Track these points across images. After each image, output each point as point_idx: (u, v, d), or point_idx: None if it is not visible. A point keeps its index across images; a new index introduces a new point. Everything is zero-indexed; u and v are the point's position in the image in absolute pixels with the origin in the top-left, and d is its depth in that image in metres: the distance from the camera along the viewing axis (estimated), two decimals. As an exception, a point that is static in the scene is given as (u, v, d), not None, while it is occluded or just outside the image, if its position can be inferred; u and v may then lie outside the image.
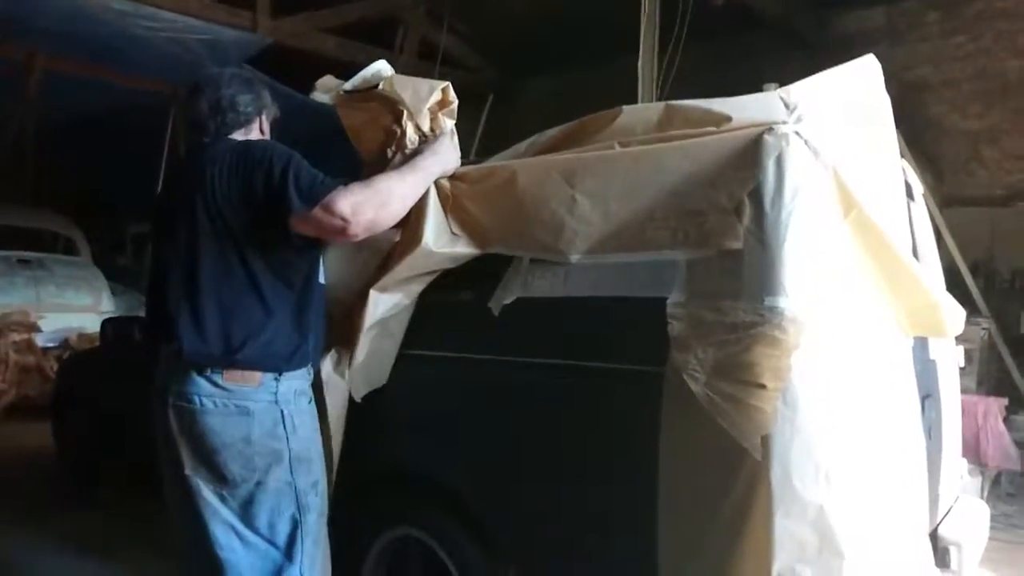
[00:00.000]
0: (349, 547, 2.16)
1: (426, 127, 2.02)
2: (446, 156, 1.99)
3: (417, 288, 2.08)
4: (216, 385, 1.74)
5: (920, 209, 2.47)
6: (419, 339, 2.16)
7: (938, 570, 1.95)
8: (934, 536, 2.08)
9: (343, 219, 1.70)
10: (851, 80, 1.73)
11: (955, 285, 5.19)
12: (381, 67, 2.09)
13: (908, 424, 1.80)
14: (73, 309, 7.17)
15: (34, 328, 6.72)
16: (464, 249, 1.97)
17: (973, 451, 4.12)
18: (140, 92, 7.71)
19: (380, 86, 2.06)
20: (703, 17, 5.55)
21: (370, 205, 1.74)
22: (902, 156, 2.07)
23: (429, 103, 2.01)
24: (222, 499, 1.76)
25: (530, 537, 1.95)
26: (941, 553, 2.06)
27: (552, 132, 1.97)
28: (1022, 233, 6.21)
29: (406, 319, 2.12)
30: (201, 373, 1.74)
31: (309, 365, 1.92)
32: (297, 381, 1.84)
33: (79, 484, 4.08)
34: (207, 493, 1.76)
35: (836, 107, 1.67)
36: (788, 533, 1.44)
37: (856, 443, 1.56)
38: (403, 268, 1.98)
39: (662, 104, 1.76)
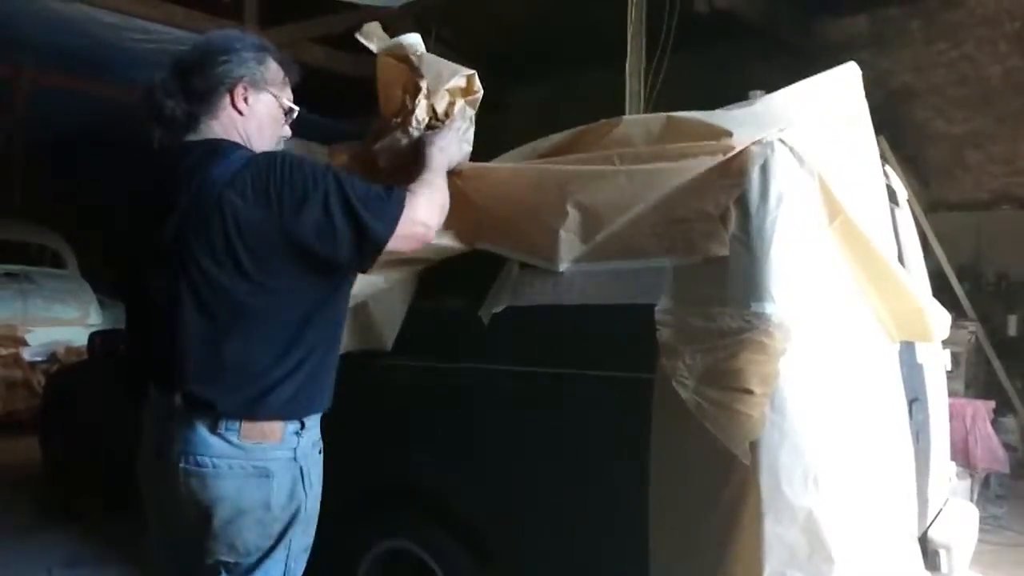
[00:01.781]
0: (340, 559, 2.15)
1: (440, 109, 1.92)
2: (451, 151, 1.84)
3: (397, 274, 2.09)
4: (231, 444, 1.44)
5: (905, 214, 2.49)
6: (407, 347, 2.16)
7: (928, 573, 1.96)
8: (923, 539, 2.09)
9: (425, 226, 1.55)
10: (833, 87, 1.75)
11: (942, 289, 5.24)
12: (415, 40, 1.99)
13: (896, 428, 1.81)
14: (61, 322, 7.12)
15: (21, 342, 6.67)
16: (449, 243, 1.94)
17: (962, 454, 4.15)
18: (128, 104, 7.68)
19: (410, 58, 1.98)
20: (689, 25, 5.59)
21: (437, 205, 1.61)
22: (887, 162, 2.09)
23: (448, 85, 1.92)
24: (227, 571, 1.49)
25: (523, 547, 1.94)
26: (931, 556, 2.07)
27: (555, 138, 1.96)
28: (1007, 237, 6.27)
29: (391, 300, 2.14)
30: (214, 431, 1.44)
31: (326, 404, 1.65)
32: (315, 429, 1.59)
33: (68, 499, 4.04)
34: (209, 565, 1.48)
35: (819, 114, 1.69)
36: (778, 538, 1.44)
37: (844, 447, 1.57)
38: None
39: (664, 116, 1.74)
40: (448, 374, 2.09)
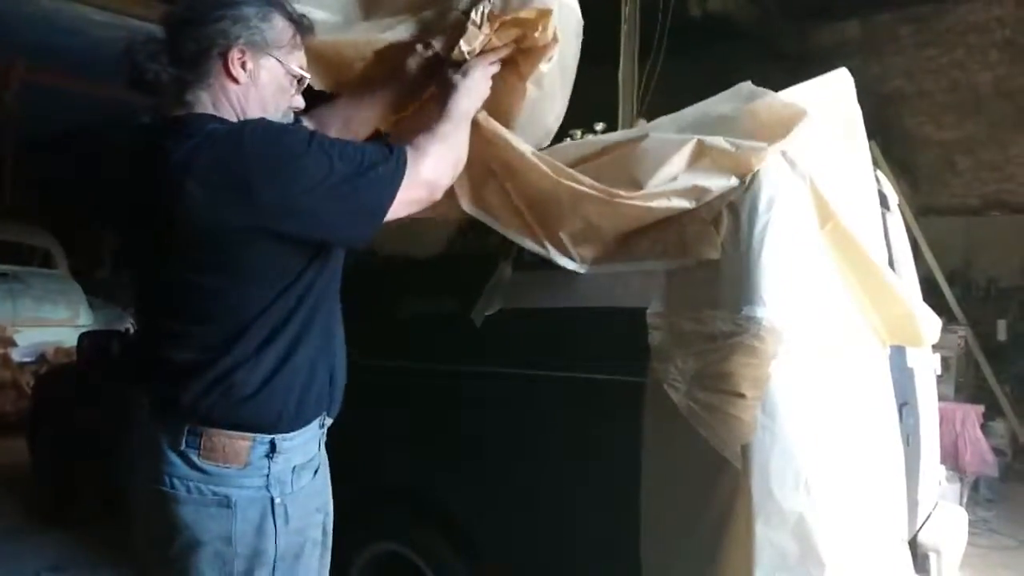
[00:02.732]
0: (331, 563, 2.14)
1: (500, 42, 1.53)
2: (478, 94, 1.50)
3: None
4: (192, 464, 1.26)
5: (896, 219, 2.51)
6: (398, 349, 2.16)
7: (917, 576, 1.97)
8: (913, 542, 2.10)
9: (431, 187, 1.34)
10: (825, 93, 1.76)
11: (932, 294, 5.27)
12: None
13: (886, 432, 1.82)
14: (50, 323, 7.08)
15: (10, 343, 6.62)
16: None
17: (952, 458, 4.17)
18: (119, 103, 7.66)
19: None
20: (683, 29, 5.61)
21: (449, 164, 1.38)
22: (879, 167, 2.10)
23: (520, 13, 1.47)
24: None
25: (515, 550, 1.94)
26: (920, 559, 2.08)
27: (585, 147, 1.75)
28: (997, 242, 6.32)
29: None
30: (175, 446, 1.27)
31: (324, 415, 1.40)
32: (300, 450, 1.34)
33: (56, 502, 4.01)
34: None
35: (811, 119, 1.70)
36: (769, 541, 1.44)
37: (835, 451, 1.57)
38: None
39: (693, 140, 1.55)
40: (440, 376, 2.09)
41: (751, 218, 1.55)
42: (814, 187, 1.60)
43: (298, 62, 1.36)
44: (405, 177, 1.27)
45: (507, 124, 1.66)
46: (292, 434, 1.32)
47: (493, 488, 1.97)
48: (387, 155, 1.27)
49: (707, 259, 1.57)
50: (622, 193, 1.57)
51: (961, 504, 3.78)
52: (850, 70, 1.83)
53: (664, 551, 1.60)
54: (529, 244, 1.75)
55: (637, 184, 1.57)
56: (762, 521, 1.45)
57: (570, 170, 1.60)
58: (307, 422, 1.35)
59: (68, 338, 6.45)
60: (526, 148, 1.62)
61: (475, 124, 1.53)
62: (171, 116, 1.27)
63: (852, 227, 1.65)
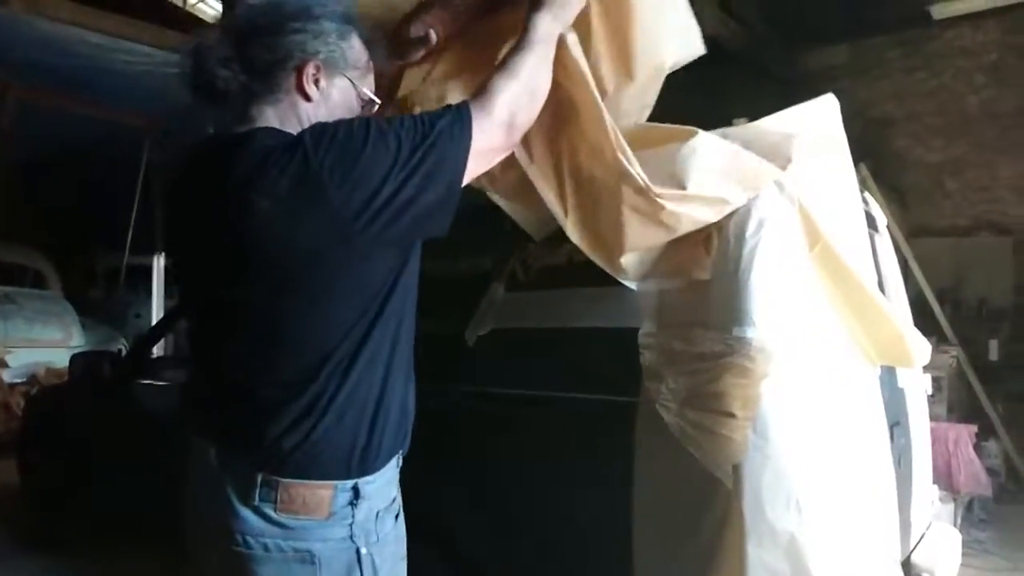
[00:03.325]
0: None
1: None
2: (568, 13, 1.32)
3: None
4: (268, 519, 1.14)
5: (885, 240, 2.53)
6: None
7: (911, 597, 1.96)
8: (907, 563, 2.10)
9: (508, 128, 1.21)
10: (812, 116, 1.78)
11: (923, 314, 5.30)
12: None
13: (878, 452, 1.83)
14: (42, 344, 7.05)
15: (1, 363, 6.58)
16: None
17: (945, 478, 4.17)
18: (114, 124, 7.69)
19: None
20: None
21: (524, 99, 1.23)
22: (868, 188, 2.12)
23: None
24: None
25: (509, 567, 1.93)
26: (914, 580, 2.07)
27: (643, 129, 1.61)
28: (987, 262, 6.36)
29: None
30: (247, 500, 1.15)
31: (400, 453, 1.30)
32: (382, 494, 1.23)
33: (46, 524, 3.97)
34: None
35: (799, 142, 1.72)
36: (760, 562, 1.44)
37: (827, 471, 1.58)
38: None
39: (735, 147, 1.50)
40: (432, 395, 2.09)
41: (741, 239, 1.56)
42: (803, 209, 1.62)
43: (369, 85, 1.29)
44: (475, 124, 1.15)
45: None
46: (373, 476, 1.20)
47: (483, 506, 1.96)
48: (447, 110, 1.16)
49: (697, 279, 1.59)
50: (660, 192, 1.41)
51: (955, 525, 3.77)
52: (840, 93, 1.87)
53: (656, 570, 1.59)
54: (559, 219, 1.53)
55: (678, 182, 1.46)
56: (754, 542, 1.45)
57: (626, 144, 1.42)
58: (387, 460, 1.24)
59: (61, 359, 6.43)
60: (599, 97, 1.40)
61: (560, 45, 1.33)
62: (233, 134, 1.19)
63: (840, 249, 1.67)
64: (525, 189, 1.54)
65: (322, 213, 1.07)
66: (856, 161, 1.93)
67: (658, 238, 1.52)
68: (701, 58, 1.65)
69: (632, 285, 1.65)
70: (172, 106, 7.00)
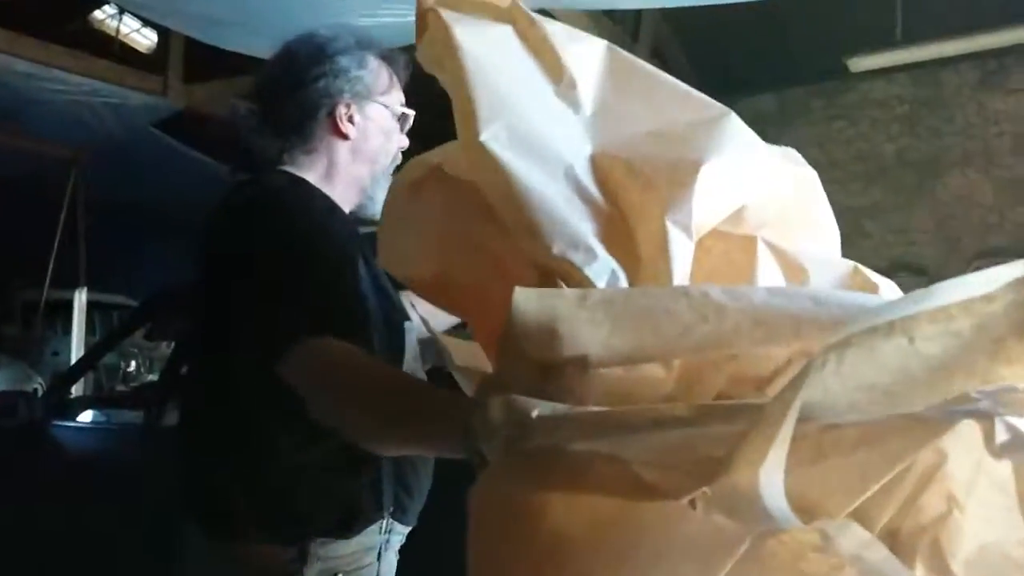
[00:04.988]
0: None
1: None
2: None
3: None
4: None
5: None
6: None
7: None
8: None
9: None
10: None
11: (848, 350, 5.51)
12: None
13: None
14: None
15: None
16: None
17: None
18: (39, 155, 7.43)
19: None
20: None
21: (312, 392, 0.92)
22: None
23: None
24: None
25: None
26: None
27: None
28: (905, 302, 6.70)
29: None
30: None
31: (385, 518, 1.10)
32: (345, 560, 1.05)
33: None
34: None
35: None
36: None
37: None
38: None
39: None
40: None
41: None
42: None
43: (399, 100, 1.23)
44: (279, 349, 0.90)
45: None
46: (339, 544, 1.05)
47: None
48: (287, 317, 0.92)
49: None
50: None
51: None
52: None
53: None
54: None
55: None
56: None
57: None
58: (368, 526, 1.07)
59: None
60: None
61: None
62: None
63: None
64: None
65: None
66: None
67: None
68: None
69: None
70: (99, 137, 6.83)
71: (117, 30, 7.38)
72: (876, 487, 0.59)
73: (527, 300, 0.64)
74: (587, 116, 0.82)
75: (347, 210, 1.19)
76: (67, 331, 7.69)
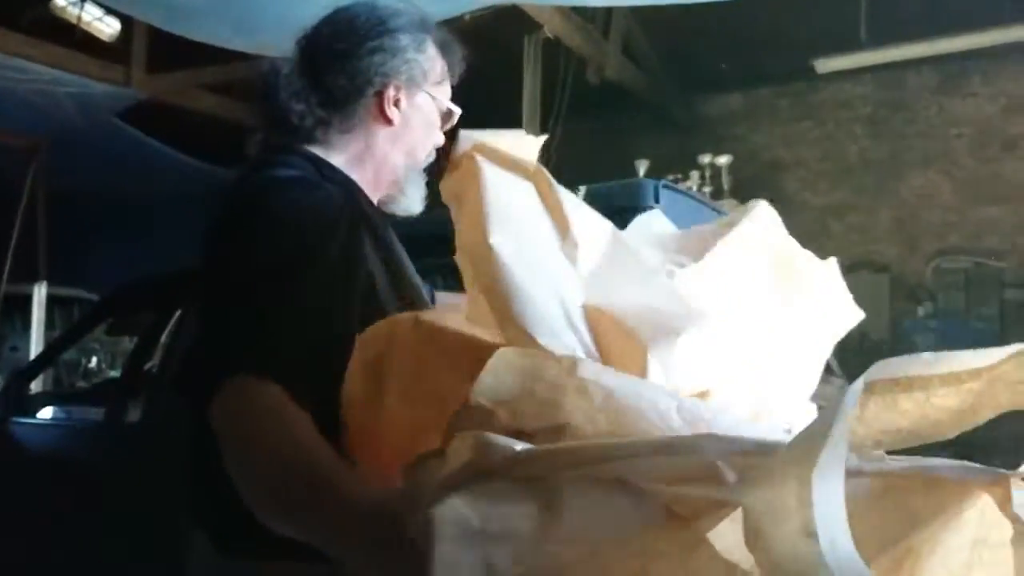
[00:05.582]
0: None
1: None
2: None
3: None
4: None
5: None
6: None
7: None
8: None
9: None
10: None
11: (812, 347, 5.61)
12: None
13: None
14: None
15: None
16: None
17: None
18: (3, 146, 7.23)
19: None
20: (583, 95, 5.89)
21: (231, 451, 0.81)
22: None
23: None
24: None
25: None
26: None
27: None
28: (867, 299, 6.72)
29: None
30: None
31: None
32: None
33: None
34: None
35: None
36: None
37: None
38: None
39: None
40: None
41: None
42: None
43: (447, 94, 1.14)
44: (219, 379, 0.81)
45: None
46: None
47: None
48: (236, 343, 0.84)
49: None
50: None
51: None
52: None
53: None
54: None
55: None
56: None
57: None
58: None
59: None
60: None
61: None
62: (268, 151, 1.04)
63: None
64: None
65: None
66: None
67: None
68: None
69: None
70: (60, 127, 6.67)
71: (79, 18, 7.18)
72: (892, 549, 0.62)
73: (508, 360, 0.66)
74: (583, 274, 0.88)
75: (375, 199, 1.10)
76: (26, 326, 7.49)
